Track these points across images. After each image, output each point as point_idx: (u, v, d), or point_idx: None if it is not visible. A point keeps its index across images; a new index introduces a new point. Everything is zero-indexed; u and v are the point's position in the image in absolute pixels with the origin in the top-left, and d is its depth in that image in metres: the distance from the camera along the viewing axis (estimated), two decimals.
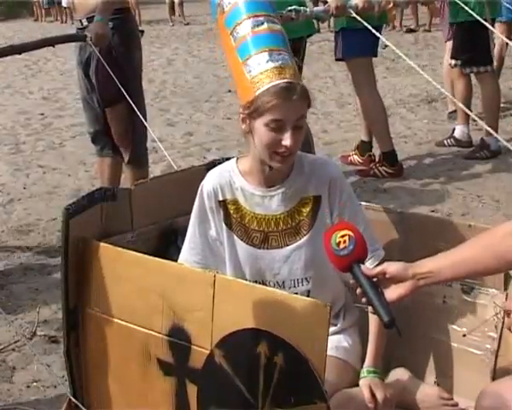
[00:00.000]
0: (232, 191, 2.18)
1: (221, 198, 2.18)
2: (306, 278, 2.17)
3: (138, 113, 3.74)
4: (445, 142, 6.09)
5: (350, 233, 1.84)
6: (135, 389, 2.13)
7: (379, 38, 5.05)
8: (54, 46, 4.09)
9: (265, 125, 2.04)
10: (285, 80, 2.05)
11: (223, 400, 1.91)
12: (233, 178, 2.19)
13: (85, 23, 4.16)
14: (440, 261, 1.82)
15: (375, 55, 5.41)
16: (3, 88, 9.93)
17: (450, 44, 6.13)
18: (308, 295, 2.14)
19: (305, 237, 2.16)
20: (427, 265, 1.82)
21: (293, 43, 4.38)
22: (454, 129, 6.14)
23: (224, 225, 2.18)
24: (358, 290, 1.84)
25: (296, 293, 2.14)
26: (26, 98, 9.22)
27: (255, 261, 2.17)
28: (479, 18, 4.16)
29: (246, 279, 2.15)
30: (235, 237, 2.18)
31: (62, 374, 2.43)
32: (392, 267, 1.84)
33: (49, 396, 2.84)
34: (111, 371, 2.19)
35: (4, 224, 4.78)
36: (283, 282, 2.16)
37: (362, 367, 2.19)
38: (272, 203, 2.16)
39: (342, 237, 1.84)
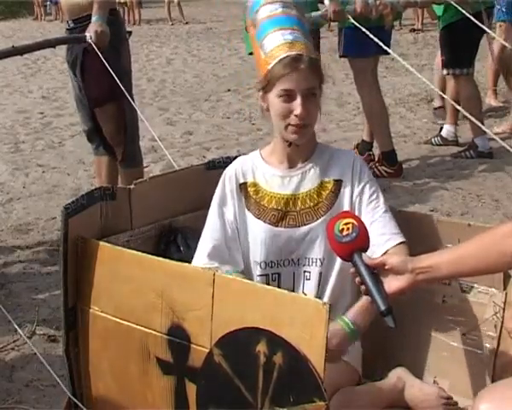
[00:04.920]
0: (254, 174, 2.28)
1: (242, 181, 2.28)
2: (320, 259, 2.20)
3: (139, 112, 3.75)
4: (433, 140, 6.22)
5: (354, 222, 1.89)
6: (134, 388, 2.13)
7: (384, 36, 5.07)
8: (55, 47, 4.09)
9: (277, 97, 2.16)
10: (294, 52, 2.18)
11: (222, 399, 1.91)
12: (255, 162, 2.30)
13: (72, 25, 4.15)
14: (440, 257, 1.84)
15: (380, 53, 5.40)
16: (3, 87, 9.91)
17: None
18: (320, 278, 2.19)
19: (321, 218, 2.20)
20: (427, 260, 1.84)
21: None
22: (441, 128, 6.22)
23: (244, 205, 2.26)
24: (357, 279, 1.87)
25: (309, 272, 2.20)
26: (25, 97, 9.21)
27: (272, 239, 2.21)
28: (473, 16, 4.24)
29: (261, 259, 2.21)
30: (254, 217, 2.24)
31: (62, 373, 2.42)
32: (392, 259, 1.86)
33: (49, 395, 2.84)
34: (110, 369, 2.19)
35: (4, 223, 4.78)
36: (298, 260, 2.20)
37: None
38: (292, 183, 2.24)
39: (346, 224, 1.88)
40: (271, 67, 2.17)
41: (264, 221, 2.23)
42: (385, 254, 2.13)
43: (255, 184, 2.27)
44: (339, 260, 2.18)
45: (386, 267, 1.85)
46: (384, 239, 2.15)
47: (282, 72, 2.14)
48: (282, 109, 2.15)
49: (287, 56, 2.16)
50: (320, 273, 2.20)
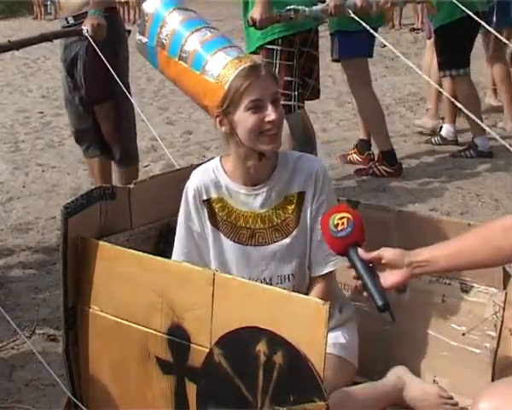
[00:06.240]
0: (217, 189, 2.19)
1: (205, 197, 2.19)
2: (293, 274, 2.18)
3: (139, 110, 3.76)
4: (433, 140, 6.22)
5: (349, 216, 1.86)
6: (134, 388, 2.13)
7: (374, 38, 5.08)
8: (52, 41, 4.10)
9: (246, 110, 2.08)
10: (248, 63, 2.14)
11: (222, 398, 1.91)
12: (218, 176, 2.20)
13: (71, 21, 4.16)
14: (437, 251, 1.82)
15: (371, 56, 5.42)
16: (2, 86, 9.90)
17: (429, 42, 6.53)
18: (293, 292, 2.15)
19: (291, 234, 2.17)
20: (424, 254, 1.82)
21: (301, 35, 4.44)
22: (441, 127, 6.24)
23: (208, 223, 2.19)
24: (353, 274, 1.85)
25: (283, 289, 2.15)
26: (25, 97, 9.20)
27: (242, 258, 2.18)
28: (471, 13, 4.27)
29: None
30: (222, 235, 2.19)
31: (61, 373, 2.42)
32: (388, 253, 1.84)
33: (48, 395, 2.84)
34: (110, 369, 2.19)
35: (3, 222, 4.78)
36: (270, 278, 2.17)
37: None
38: (257, 202, 2.18)
39: (341, 219, 1.85)
40: (229, 84, 2.10)
41: (234, 240, 2.18)
42: (323, 275, 2.17)
43: (220, 200, 2.19)
44: (309, 273, 2.19)
45: (383, 262, 1.83)
46: (327, 260, 2.16)
47: (244, 84, 2.07)
48: (255, 121, 2.07)
49: (243, 68, 2.11)
50: (292, 288, 2.15)
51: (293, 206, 2.18)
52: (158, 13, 2.42)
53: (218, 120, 2.13)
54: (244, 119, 2.08)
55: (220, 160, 2.23)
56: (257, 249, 2.18)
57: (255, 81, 2.08)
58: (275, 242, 2.17)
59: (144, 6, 2.49)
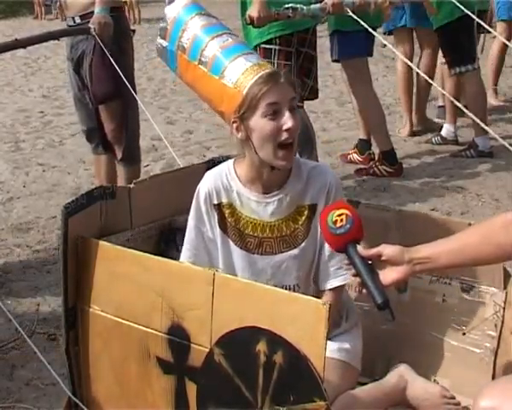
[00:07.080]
0: (228, 195, 2.17)
1: (216, 202, 2.17)
2: (298, 285, 2.17)
3: (144, 108, 3.77)
4: (433, 139, 6.21)
5: (347, 212, 1.84)
6: (134, 388, 2.13)
7: (373, 38, 5.08)
8: (59, 39, 4.10)
9: (263, 116, 2.05)
10: (268, 70, 2.12)
11: (222, 398, 1.91)
12: (230, 181, 2.18)
13: (78, 20, 4.16)
14: (438, 248, 1.81)
15: (370, 55, 5.41)
16: (3, 86, 9.90)
17: None
18: None
19: (300, 246, 2.16)
20: (424, 250, 1.81)
21: (299, 35, 4.44)
22: (441, 127, 6.24)
23: (218, 228, 2.18)
24: (352, 271, 1.83)
25: None
26: (25, 96, 9.20)
27: (248, 266, 2.17)
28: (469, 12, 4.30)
29: None
30: (230, 241, 2.18)
31: (62, 372, 2.42)
32: (388, 250, 1.82)
33: (49, 394, 2.84)
34: (110, 369, 2.19)
35: (4, 222, 4.78)
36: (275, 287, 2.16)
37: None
38: (267, 210, 2.15)
39: (339, 215, 1.84)
40: (247, 90, 2.07)
41: (241, 247, 2.16)
42: (332, 289, 2.16)
43: (230, 206, 2.17)
44: (313, 284, 2.18)
45: (383, 258, 1.81)
46: (337, 274, 2.15)
47: (263, 88, 2.04)
48: (271, 127, 2.04)
49: (261, 75, 2.09)
50: None
51: (303, 217, 2.15)
52: (180, 17, 2.44)
53: (234, 125, 2.10)
54: (260, 125, 2.05)
55: (234, 164, 2.20)
56: (263, 258, 2.16)
57: (274, 86, 2.05)
58: (282, 252, 2.16)
59: (166, 11, 2.51)
